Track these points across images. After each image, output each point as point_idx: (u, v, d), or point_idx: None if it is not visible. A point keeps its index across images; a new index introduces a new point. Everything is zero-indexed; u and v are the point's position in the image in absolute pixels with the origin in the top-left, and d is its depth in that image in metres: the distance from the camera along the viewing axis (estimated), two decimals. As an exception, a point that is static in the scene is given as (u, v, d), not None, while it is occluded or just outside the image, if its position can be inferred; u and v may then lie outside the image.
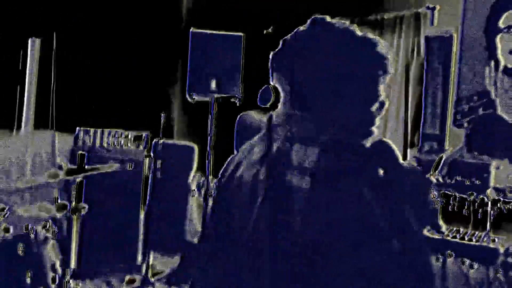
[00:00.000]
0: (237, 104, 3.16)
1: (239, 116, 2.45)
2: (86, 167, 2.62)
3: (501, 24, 2.89)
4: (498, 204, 2.29)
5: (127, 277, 3.31)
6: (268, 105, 1.12)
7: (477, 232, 2.33)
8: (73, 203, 2.44)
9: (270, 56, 1.14)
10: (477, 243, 2.30)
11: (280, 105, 1.13)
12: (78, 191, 2.54)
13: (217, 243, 1.14)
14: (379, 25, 3.29)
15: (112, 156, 3.38)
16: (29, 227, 2.13)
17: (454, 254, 2.26)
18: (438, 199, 2.44)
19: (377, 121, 1.12)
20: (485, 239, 2.31)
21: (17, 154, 3.52)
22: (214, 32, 3.17)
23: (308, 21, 1.12)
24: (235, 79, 3.10)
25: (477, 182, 2.36)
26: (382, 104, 1.13)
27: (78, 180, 2.43)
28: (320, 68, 1.07)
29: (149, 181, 3.47)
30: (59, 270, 2.16)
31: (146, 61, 4.17)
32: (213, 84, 3.09)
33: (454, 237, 2.38)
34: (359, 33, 1.10)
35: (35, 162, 3.61)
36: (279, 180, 1.03)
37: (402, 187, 1.09)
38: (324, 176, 1.00)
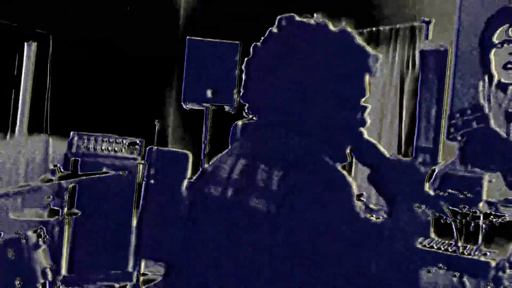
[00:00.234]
0: (232, 113, 3.17)
1: (233, 124, 2.45)
2: (79, 173, 2.60)
3: (495, 39, 2.92)
4: (490, 218, 2.30)
5: (117, 286, 3.28)
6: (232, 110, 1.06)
7: (468, 246, 2.34)
8: (66, 208, 2.43)
9: (244, 65, 1.04)
10: (468, 256, 2.30)
11: (249, 115, 1.05)
12: (70, 196, 2.52)
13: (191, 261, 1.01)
14: (374, 38, 3.32)
15: (106, 162, 3.36)
16: (20, 232, 2.11)
17: (445, 267, 2.27)
18: (430, 211, 2.45)
19: (365, 126, 1.03)
20: (476, 252, 2.32)
21: (10, 158, 3.49)
22: (210, 40, 3.18)
23: (276, 22, 1.02)
24: (231, 88, 3.11)
25: (469, 195, 2.37)
26: (364, 109, 1.03)
27: (70, 186, 2.42)
28: (294, 71, 0.97)
29: (143, 188, 3.46)
30: (50, 276, 2.14)
31: (141, 67, 4.18)
32: (209, 93, 3.10)
33: (446, 250, 2.38)
34: (333, 28, 1.00)
35: (28, 166, 3.59)
36: (243, 203, 0.91)
37: (394, 181, 1.00)
38: (290, 201, 0.86)
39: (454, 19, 3.05)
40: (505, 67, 2.88)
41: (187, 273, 0.98)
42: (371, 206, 2.79)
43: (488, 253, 2.32)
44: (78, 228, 3.28)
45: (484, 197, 2.40)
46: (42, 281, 2.09)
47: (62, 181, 2.28)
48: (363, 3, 3.42)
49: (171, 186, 3.52)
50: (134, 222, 3.44)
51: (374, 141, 1.06)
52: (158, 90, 4.49)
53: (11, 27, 3.44)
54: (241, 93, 1.05)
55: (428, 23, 3.13)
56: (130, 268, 3.43)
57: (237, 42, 3.10)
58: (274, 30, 1.02)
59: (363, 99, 1.03)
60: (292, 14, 1.02)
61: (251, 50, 1.04)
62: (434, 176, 2.38)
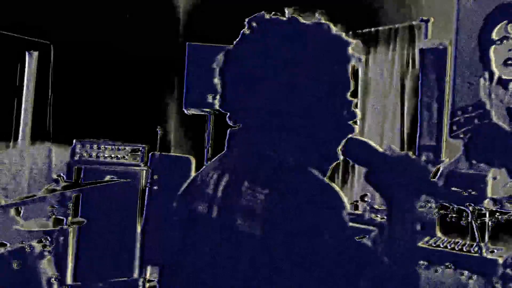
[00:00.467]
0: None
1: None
2: (82, 180, 2.61)
3: (494, 36, 2.92)
4: (496, 215, 2.29)
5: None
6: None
7: (475, 243, 2.33)
8: (70, 217, 2.43)
9: (218, 72, 0.99)
10: (475, 254, 2.29)
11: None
12: (74, 205, 2.52)
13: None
14: (373, 38, 3.32)
15: (109, 169, 3.37)
16: (25, 242, 2.11)
17: (452, 266, 2.26)
18: (436, 210, 2.45)
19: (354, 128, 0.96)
20: (483, 250, 2.31)
21: (13, 167, 3.50)
22: (210, 44, 3.18)
23: (246, 24, 0.97)
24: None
25: (474, 193, 2.36)
26: (353, 115, 0.96)
27: (74, 194, 2.42)
28: (271, 72, 0.91)
29: (146, 194, 3.46)
30: (55, 286, 2.13)
31: (142, 72, 4.18)
32: (210, 98, 3.10)
33: (453, 248, 2.38)
34: (305, 21, 0.94)
35: (31, 174, 3.59)
36: (228, 223, 0.87)
37: (395, 177, 0.92)
38: (275, 220, 0.81)
39: (453, 17, 3.05)
40: (505, 63, 2.88)
41: (188, 277, 0.96)
42: (376, 206, 2.78)
43: (495, 251, 2.31)
44: (82, 236, 3.28)
45: (489, 194, 2.39)
46: (48, 290, 2.09)
47: (66, 191, 2.28)
48: (361, 3, 3.43)
49: (174, 192, 3.52)
50: (139, 229, 3.44)
51: (365, 139, 0.99)
52: (159, 94, 4.50)
53: (12, 37, 3.45)
54: (220, 102, 1.00)
55: (426, 22, 3.13)
56: (135, 275, 3.42)
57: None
58: (246, 31, 0.97)
59: (349, 92, 0.96)
60: (262, 12, 0.97)
61: (222, 56, 0.99)
62: (439, 174, 2.38)
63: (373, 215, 2.78)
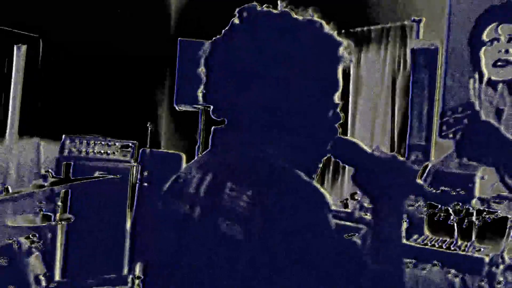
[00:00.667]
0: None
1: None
2: (71, 176, 2.58)
3: (484, 37, 2.95)
4: (483, 214, 2.32)
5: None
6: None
7: (462, 242, 2.36)
8: (58, 213, 2.40)
9: (203, 62, 0.96)
10: (462, 253, 2.32)
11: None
12: (63, 201, 2.50)
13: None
14: (365, 37, 3.33)
15: (98, 165, 3.34)
16: (13, 238, 2.09)
17: (440, 264, 2.28)
18: (424, 209, 2.47)
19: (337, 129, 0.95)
20: (470, 248, 2.33)
21: (1, 162, 3.46)
22: (202, 41, 3.17)
23: (237, 14, 0.93)
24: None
25: (462, 192, 2.38)
26: (338, 117, 0.95)
27: (63, 190, 2.40)
28: (259, 65, 0.88)
29: (136, 190, 3.44)
30: (43, 282, 2.12)
31: (133, 69, 4.16)
32: (201, 95, 3.09)
33: (440, 247, 2.40)
34: (299, 17, 0.91)
35: (19, 170, 3.55)
36: (210, 224, 0.85)
37: (381, 178, 0.91)
38: (258, 223, 0.79)
39: (444, 18, 3.07)
40: (495, 64, 2.91)
41: (170, 276, 0.95)
42: (366, 205, 2.80)
43: (481, 249, 2.34)
44: (71, 233, 3.26)
45: (477, 194, 2.41)
46: (35, 287, 2.07)
47: (54, 187, 2.26)
48: (355, 2, 3.43)
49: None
50: (128, 225, 3.42)
51: (353, 140, 0.98)
52: (150, 91, 4.47)
53: (0, 30, 3.41)
54: (203, 94, 0.97)
55: (418, 22, 3.15)
56: (125, 272, 3.41)
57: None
58: (236, 21, 0.93)
59: (336, 94, 0.94)
60: (254, 3, 0.94)
61: (209, 45, 0.95)
62: (426, 172, 2.40)
63: (362, 213, 2.79)
